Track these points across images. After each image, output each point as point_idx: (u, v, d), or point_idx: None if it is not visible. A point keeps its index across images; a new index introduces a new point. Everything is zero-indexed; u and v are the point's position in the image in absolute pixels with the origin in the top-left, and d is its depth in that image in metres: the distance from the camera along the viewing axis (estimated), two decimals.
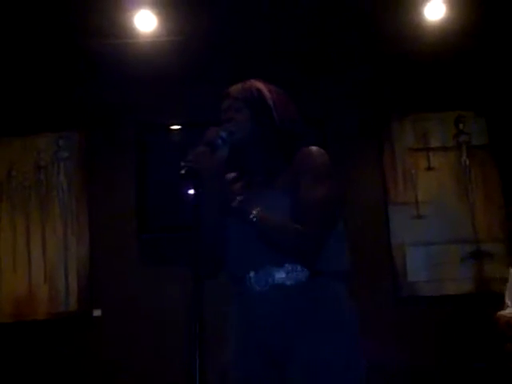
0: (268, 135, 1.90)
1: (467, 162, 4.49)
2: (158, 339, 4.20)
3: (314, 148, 1.89)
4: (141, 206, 4.34)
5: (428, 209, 4.42)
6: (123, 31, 3.99)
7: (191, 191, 1.71)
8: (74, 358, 4.21)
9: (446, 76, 4.54)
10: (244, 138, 1.89)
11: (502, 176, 4.44)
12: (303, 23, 4.03)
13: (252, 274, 1.83)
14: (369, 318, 4.18)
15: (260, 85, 1.95)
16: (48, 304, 4.28)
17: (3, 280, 4.31)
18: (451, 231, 4.38)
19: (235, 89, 1.95)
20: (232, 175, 2.00)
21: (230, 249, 1.88)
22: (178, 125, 4.52)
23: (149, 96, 4.51)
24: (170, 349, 4.15)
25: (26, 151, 4.48)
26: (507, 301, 3.73)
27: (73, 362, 4.20)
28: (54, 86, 4.52)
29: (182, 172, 1.70)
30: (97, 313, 4.29)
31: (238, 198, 1.79)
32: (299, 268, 1.80)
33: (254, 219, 1.76)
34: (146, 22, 3.96)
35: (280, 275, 1.80)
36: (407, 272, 4.32)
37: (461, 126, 4.54)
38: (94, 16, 3.80)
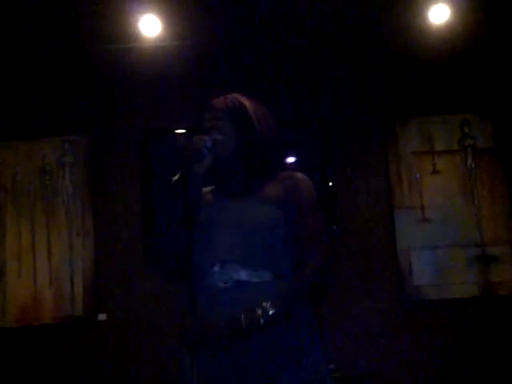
0: (249, 145, 1.92)
1: (473, 166, 4.48)
2: (163, 344, 4.20)
3: (302, 175, 1.94)
4: (146, 210, 4.34)
5: (433, 212, 4.40)
6: (128, 36, 4.00)
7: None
8: (79, 363, 4.21)
9: (450, 79, 4.53)
10: (226, 148, 1.90)
11: (507, 179, 4.43)
12: (307, 27, 4.03)
13: (217, 268, 1.79)
14: (374, 322, 4.20)
15: (241, 97, 2.00)
16: (53, 308, 4.29)
17: (9, 285, 4.31)
18: (457, 235, 4.36)
19: (217, 101, 2.01)
20: (210, 188, 2.02)
21: (196, 241, 1.79)
22: (183, 129, 4.52)
23: (153, 100, 4.53)
24: (174, 353, 4.14)
25: (31, 156, 4.49)
26: None
27: (78, 366, 4.20)
28: (58, 91, 4.54)
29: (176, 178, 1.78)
30: (102, 317, 4.29)
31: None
32: (265, 267, 1.77)
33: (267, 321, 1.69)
34: (150, 27, 3.96)
35: (246, 272, 1.76)
36: (413, 276, 4.30)
37: (466, 129, 4.53)
38: (99, 21, 3.81)
